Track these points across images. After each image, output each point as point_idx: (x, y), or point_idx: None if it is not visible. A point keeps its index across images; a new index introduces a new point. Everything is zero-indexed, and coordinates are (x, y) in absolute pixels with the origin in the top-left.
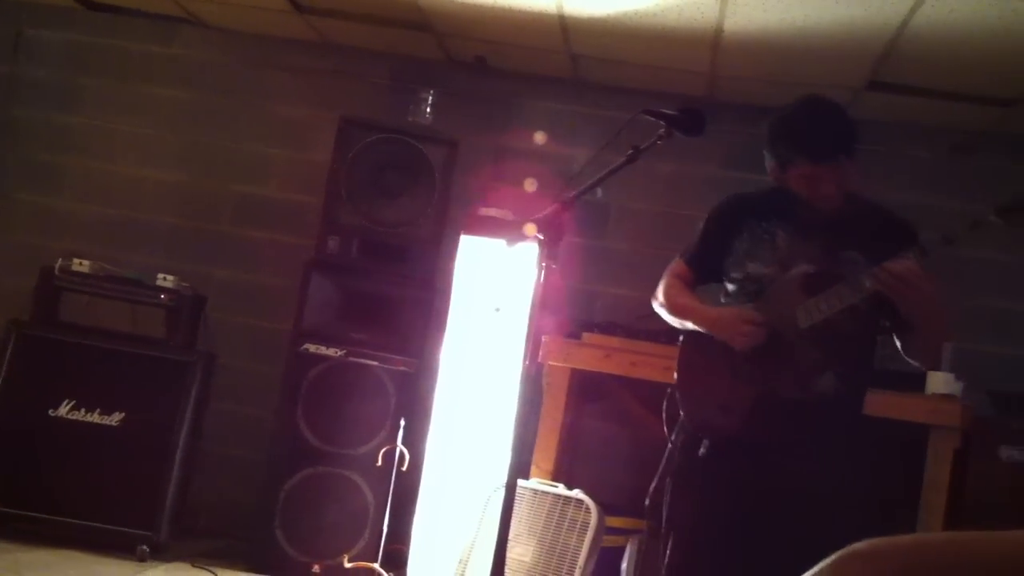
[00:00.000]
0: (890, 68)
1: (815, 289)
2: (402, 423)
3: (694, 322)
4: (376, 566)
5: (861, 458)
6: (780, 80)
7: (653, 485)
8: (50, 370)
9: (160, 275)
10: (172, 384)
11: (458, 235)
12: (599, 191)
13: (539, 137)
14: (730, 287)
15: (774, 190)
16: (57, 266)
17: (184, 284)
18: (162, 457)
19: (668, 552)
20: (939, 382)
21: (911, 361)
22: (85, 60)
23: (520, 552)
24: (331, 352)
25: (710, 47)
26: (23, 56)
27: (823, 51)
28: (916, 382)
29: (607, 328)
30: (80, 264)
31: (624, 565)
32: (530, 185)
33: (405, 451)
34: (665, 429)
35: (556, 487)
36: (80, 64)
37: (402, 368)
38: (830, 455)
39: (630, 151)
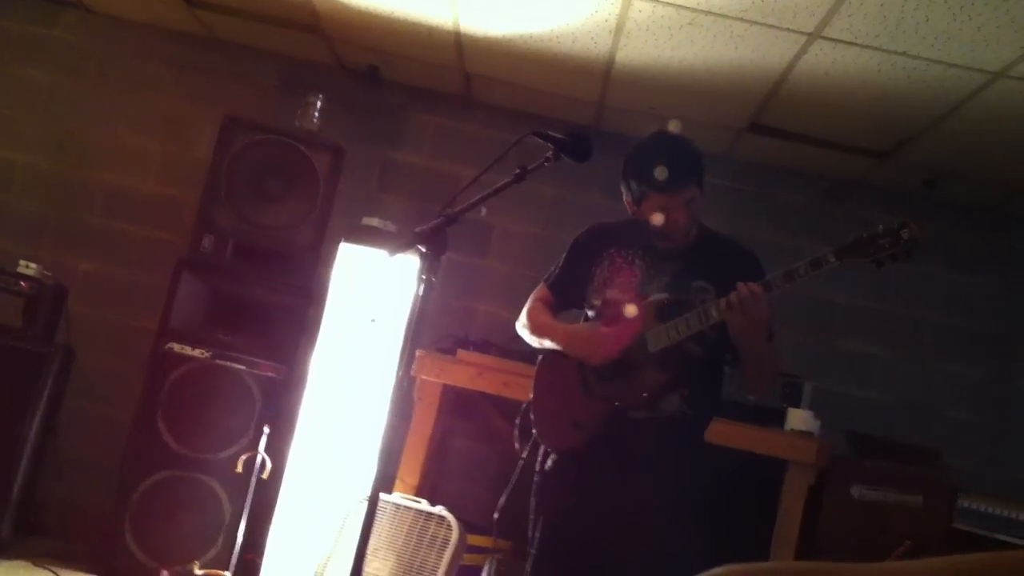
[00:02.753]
0: (772, 112)
1: (666, 316)
2: (266, 430)
3: (552, 339)
4: (227, 575)
5: (703, 476)
6: (667, 115)
7: (502, 500)
8: None
9: (22, 262)
10: (26, 376)
11: (338, 243)
12: (483, 209)
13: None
14: (590, 313)
15: (634, 220)
16: None
17: (46, 273)
18: (9, 451)
19: (528, 565)
20: (798, 419)
21: (747, 392)
22: None
23: (377, 567)
24: (197, 353)
25: (601, 77)
26: None
27: (710, 90)
28: (776, 417)
29: (482, 346)
30: None
31: None
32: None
33: (267, 459)
34: (516, 444)
35: (419, 502)
36: None
37: (270, 374)
38: (670, 472)
39: (517, 171)
